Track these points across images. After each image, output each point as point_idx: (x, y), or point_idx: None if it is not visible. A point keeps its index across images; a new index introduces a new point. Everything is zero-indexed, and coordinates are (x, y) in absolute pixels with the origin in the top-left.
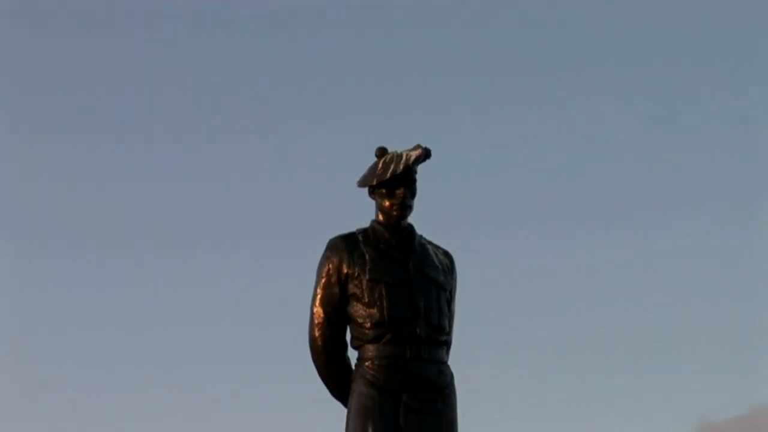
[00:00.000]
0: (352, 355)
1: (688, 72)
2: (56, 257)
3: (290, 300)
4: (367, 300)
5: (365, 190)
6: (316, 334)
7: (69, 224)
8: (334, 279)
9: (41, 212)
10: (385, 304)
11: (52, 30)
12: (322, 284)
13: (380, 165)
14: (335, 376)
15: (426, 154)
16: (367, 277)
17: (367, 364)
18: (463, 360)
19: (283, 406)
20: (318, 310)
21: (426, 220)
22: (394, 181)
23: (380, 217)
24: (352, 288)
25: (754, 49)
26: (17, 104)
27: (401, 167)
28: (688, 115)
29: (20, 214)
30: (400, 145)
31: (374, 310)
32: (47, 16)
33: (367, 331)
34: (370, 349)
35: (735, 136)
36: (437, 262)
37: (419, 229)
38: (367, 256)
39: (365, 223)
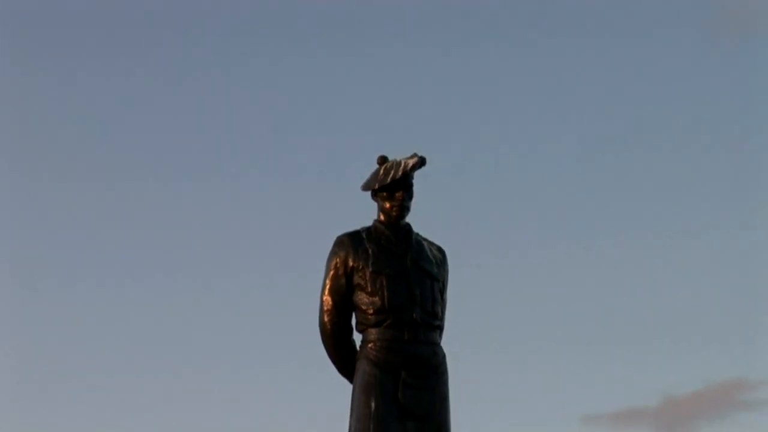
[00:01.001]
0: (357, 338)
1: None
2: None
3: (303, 292)
4: (370, 289)
5: (368, 193)
6: (326, 319)
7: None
8: (341, 271)
9: (41, 209)
10: (385, 293)
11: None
12: (330, 276)
13: (381, 171)
14: (342, 356)
15: (421, 162)
16: (370, 269)
17: (370, 345)
18: (454, 342)
19: (295, 386)
20: (327, 298)
21: (421, 219)
22: (393, 185)
23: (381, 217)
24: (356, 279)
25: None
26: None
27: (400, 173)
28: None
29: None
30: (399, 153)
31: (376, 299)
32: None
33: (370, 317)
34: (373, 333)
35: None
36: (431, 256)
37: (416, 227)
38: (369, 251)
39: (368, 222)
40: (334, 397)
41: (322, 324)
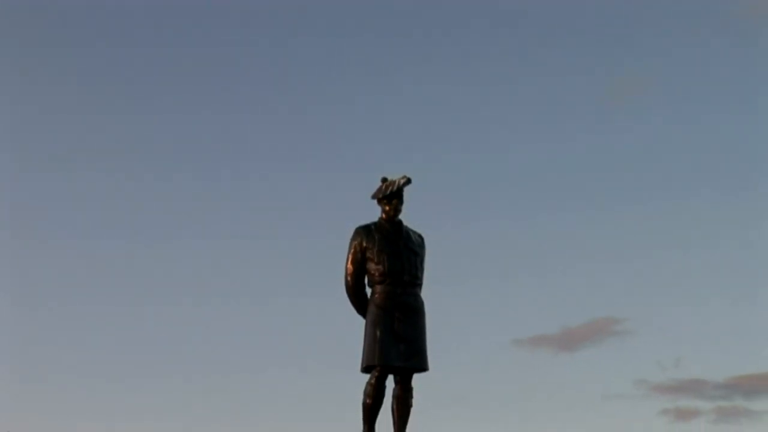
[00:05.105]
0: (368, 292)
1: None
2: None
3: (325, 274)
4: (376, 261)
5: (374, 201)
6: (349, 279)
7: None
8: (358, 249)
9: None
10: (386, 264)
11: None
12: (351, 252)
13: (383, 186)
14: (359, 302)
15: (408, 181)
16: (376, 248)
17: (376, 296)
18: (428, 293)
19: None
20: (349, 266)
21: (410, 216)
22: (390, 196)
23: (383, 216)
24: (368, 254)
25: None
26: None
27: (395, 188)
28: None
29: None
30: (395, 172)
31: (380, 267)
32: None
33: (376, 278)
34: (378, 288)
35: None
36: (415, 240)
37: (405, 221)
38: (376, 237)
39: (375, 219)
40: (353, 330)
41: (346, 282)
